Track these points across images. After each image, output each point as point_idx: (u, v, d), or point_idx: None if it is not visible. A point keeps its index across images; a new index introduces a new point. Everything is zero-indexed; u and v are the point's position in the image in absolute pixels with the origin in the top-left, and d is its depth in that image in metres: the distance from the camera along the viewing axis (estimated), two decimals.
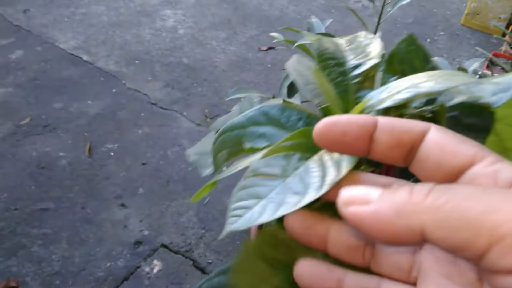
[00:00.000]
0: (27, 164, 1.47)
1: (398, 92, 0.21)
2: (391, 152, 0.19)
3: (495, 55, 1.89)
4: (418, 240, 0.16)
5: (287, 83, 0.73)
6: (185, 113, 1.73)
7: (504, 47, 2.11)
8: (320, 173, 0.21)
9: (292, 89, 0.71)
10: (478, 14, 2.35)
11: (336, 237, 0.21)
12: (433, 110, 0.23)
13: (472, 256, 0.15)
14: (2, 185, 1.39)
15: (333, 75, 0.26)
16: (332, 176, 0.20)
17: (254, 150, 0.25)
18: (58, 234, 1.27)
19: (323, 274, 0.21)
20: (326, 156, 0.22)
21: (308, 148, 0.22)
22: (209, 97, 1.82)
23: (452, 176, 0.18)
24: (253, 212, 0.20)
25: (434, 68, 0.25)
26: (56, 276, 1.17)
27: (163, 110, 1.74)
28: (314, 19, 0.82)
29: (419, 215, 0.15)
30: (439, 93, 0.22)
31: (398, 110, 0.23)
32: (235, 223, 0.20)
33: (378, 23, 0.92)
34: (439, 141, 0.18)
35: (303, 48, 0.77)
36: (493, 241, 0.14)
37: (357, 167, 0.21)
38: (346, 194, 0.18)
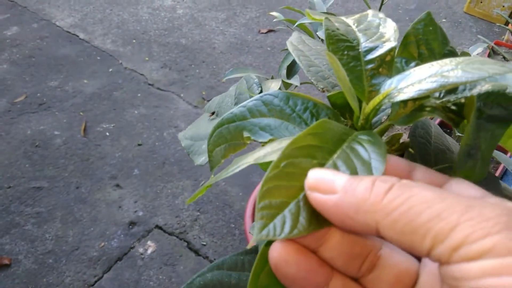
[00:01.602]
0: (21, 142, 1.45)
1: (420, 81, 0.19)
2: None
3: (497, 44, 1.86)
4: (375, 234, 0.17)
5: (286, 63, 0.71)
6: (182, 95, 1.71)
7: (507, 36, 2.08)
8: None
9: (291, 70, 0.69)
10: (481, 2, 2.32)
11: (339, 241, 0.19)
12: (456, 102, 0.21)
13: (419, 254, 0.16)
14: None
15: (345, 60, 0.23)
16: None
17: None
18: (52, 213, 1.26)
19: (314, 268, 0.19)
20: (351, 155, 0.20)
21: (332, 142, 0.20)
22: (206, 79, 1.80)
23: None
24: (284, 217, 0.18)
25: (452, 51, 0.23)
26: (49, 255, 1.16)
27: (160, 91, 1.72)
28: None
29: (375, 214, 0.16)
30: (468, 84, 0.19)
31: (418, 101, 0.21)
32: (264, 230, 0.17)
33: (381, 7, 0.90)
34: None
35: (304, 29, 0.75)
36: (435, 244, 0.15)
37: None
38: (313, 176, 0.18)
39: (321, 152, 0.20)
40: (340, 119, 0.22)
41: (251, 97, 0.24)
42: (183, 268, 1.16)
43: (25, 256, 1.15)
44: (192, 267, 1.17)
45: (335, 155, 0.20)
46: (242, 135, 0.22)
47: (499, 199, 0.17)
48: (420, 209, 0.16)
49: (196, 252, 1.20)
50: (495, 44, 1.80)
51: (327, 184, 0.18)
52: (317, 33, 0.75)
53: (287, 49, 0.85)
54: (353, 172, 0.19)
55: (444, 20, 2.32)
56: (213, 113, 0.40)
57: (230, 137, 0.23)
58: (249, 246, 0.18)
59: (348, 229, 0.18)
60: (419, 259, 0.20)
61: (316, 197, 0.18)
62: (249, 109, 0.23)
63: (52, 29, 1.98)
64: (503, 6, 2.25)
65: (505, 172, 1.20)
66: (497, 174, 1.15)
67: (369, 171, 0.19)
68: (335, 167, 0.19)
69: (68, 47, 1.89)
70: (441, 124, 1.19)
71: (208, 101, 1.68)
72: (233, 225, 1.27)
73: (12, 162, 1.38)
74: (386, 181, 0.17)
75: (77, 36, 1.96)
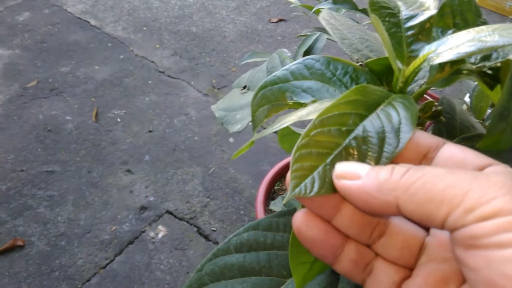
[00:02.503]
0: (33, 127, 1.46)
1: (458, 46, 0.20)
2: None
3: None
4: (395, 212, 0.19)
5: (303, 49, 0.71)
6: (192, 83, 1.72)
7: None
8: (378, 143, 0.21)
9: (307, 55, 0.69)
10: None
11: (351, 210, 0.21)
12: (492, 66, 0.21)
13: (436, 224, 0.18)
14: (8, 147, 1.39)
15: (386, 26, 0.24)
16: (390, 148, 0.20)
17: (298, 105, 0.24)
18: (64, 197, 1.27)
19: (331, 231, 0.21)
20: (383, 118, 0.21)
21: (365, 107, 0.21)
22: (217, 68, 1.80)
23: None
24: (313, 178, 0.20)
25: (485, 23, 0.24)
26: (62, 237, 1.18)
27: (170, 78, 1.73)
28: None
29: (395, 191, 0.18)
30: (505, 47, 0.20)
31: (455, 65, 0.22)
32: (296, 189, 0.19)
33: None
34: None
35: None
36: (451, 209, 0.17)
37: None
38: (340, 168, 0.20)
39: (353, 118, 0.21)
40: (378, 85, 0.23)
41: None
42: (193, 253, 1.18)
43: (38, 238, 1.17)
44: (202, 251, 1.18)
45: (366, 120, 0.21)
46: (284, 97, 0.23)
47: (503, 166, 0.19)
48: (434, 181, 0.18)
49: (206, 237, 1.21)
50: None
51: (353, 172, 0.20)
52: None
53: (302, 36, 0.86)
54: (381, 135, 0.21)
55: None
56: (244, 87, 0.41)
57: (273, 98, 0.24)
58: (284, 202, 0.20)
59: (369, 209, 0.20)
60: (427, 230, 0.22)
61: (342, 183, 0.20)
62: (292, 72, 0.23)
63: (64, 15, 1.99)
64: None
65: None
66: None
67: (397, 135, 0.20)
68: (364, 130, 0.21)
69: (79, 33, 1.90)
70: None
71: (219, 89, 1.68)
72: (242, 212, 1.29)
73: (25, 146, 1.40)
74: (404, 166, 0.19)
75: (88, 22, 1.97)
